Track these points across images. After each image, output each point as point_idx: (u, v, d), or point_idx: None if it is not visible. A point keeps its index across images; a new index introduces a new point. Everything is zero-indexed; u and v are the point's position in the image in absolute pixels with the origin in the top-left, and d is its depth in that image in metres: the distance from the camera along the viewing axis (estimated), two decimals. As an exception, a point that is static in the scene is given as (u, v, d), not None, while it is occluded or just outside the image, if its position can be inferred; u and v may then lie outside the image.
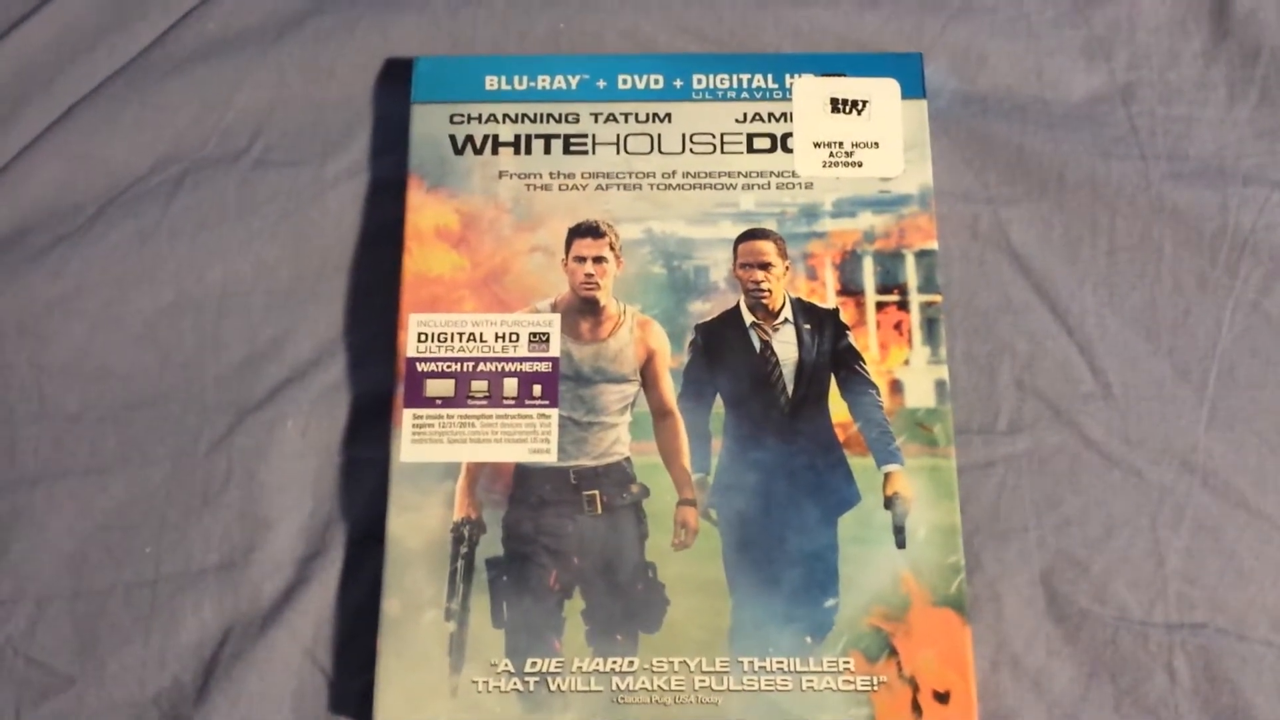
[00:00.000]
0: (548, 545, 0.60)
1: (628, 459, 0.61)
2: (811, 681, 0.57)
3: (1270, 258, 0.66)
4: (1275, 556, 0.61)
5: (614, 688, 0.57)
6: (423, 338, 0.63)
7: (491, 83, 0.68)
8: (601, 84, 0.68)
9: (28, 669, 0.60)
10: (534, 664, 0.58)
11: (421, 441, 0.61)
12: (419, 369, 0.62)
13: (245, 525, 0.63)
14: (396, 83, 0.70)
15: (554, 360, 0.62)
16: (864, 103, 0.67)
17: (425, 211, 0.65)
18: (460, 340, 0.63)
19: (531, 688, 0.57)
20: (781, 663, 0.58)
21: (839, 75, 0.68)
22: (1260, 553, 0.61)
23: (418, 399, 0.62)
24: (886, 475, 0.60)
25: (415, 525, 0.60)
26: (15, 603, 0.61)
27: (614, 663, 0.58)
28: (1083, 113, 0.69)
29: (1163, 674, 0.60)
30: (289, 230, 0.68)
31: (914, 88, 0.67)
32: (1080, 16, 0.71)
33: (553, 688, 0.57)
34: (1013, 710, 0.59)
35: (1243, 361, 0.64)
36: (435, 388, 0.62)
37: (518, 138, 0.67)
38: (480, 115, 0.67)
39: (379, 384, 0.64)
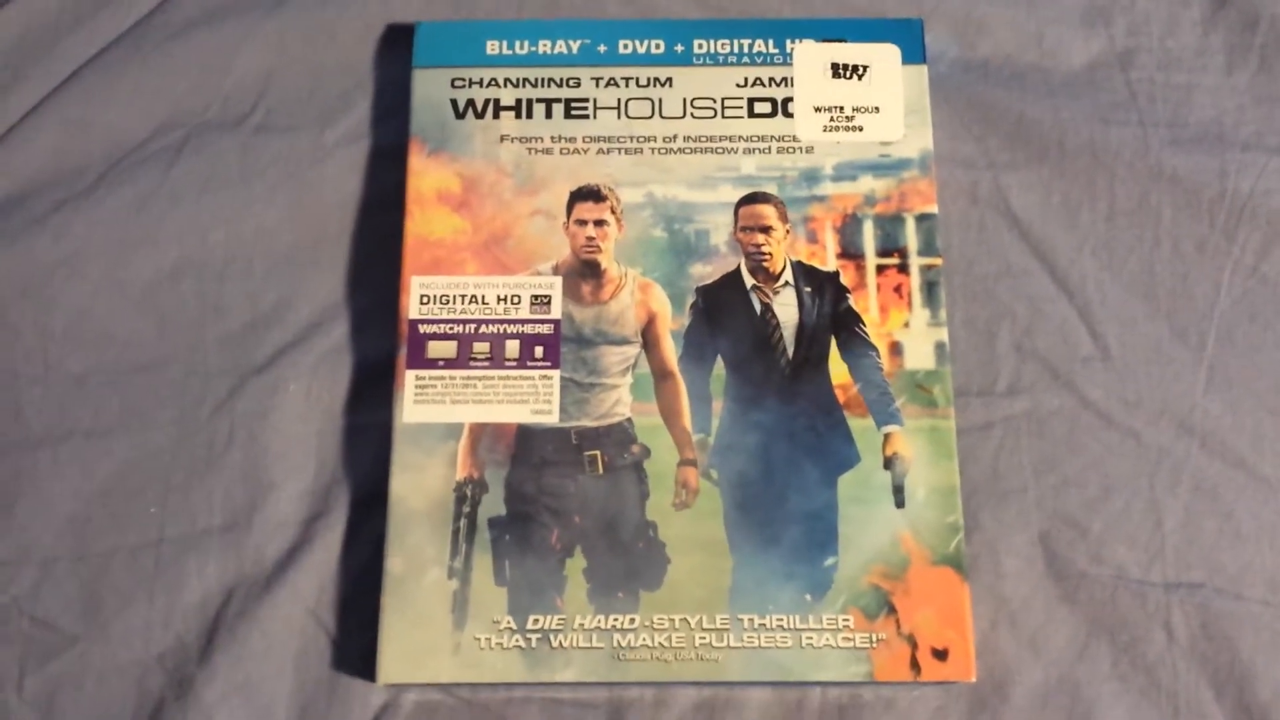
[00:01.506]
0: (550, 505, 0.60)
1: (629, 420, 0.62)
2: (811, 639, 0.58)
3: (1268, 222, 0.66)
4: (1272, 517, 0.62)
5: (615, 645, 0.58)
6: (425, 300, 0.63)
7: (493, 47, 0.68)
8: (603, 49, 0.68)
9: (32, 629, 0.61)
10: (536, 621, 0.58)
11: (424, 402, 0.61)
12: (421, 330, 0.62)
13: (248, 487, 0.63)
14: (397, 48, 0.70)
15: (555, 322, 0.63)
16: (864, 68, 0.67)
17: (427, 175, 0.65)
18: (462, 302, 0.63)
19: (533, 644, 0.58)
20: (781, 620, 0.58)
21: (840, 41, 0.68)
22: (1257, 513, 0.62)
23: (420, 360, 0.62)
24: (886, 436, 0.61)
25: (418, 485, 0.60)
26: (20, 563, 0.62)
27: (615, 620, 0.58)
28: (1082, 79, 0.70)
29: (1160, 632, 0.60)
30: (290, 195, 0.68)
31: (914, 53, 0.68)
32: (1080, -16, 0.72)
33: (554, 644, 0.58)
34: (1011, 668, 0.60)
35: (1240, 324, 0.65)
36: (437, 349, 0.62)
37: (519, 102, 0.67)
38: (481, 80, 0.67)
39: (379, 348, 0.65)
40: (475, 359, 0.62)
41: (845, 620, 0.58)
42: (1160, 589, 0.61)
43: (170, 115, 0.69)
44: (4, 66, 0.70)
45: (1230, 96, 0.69)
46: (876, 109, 0.67)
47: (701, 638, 0.58)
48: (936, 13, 0.71)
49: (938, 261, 0.64)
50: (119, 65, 0.70)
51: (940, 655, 0.57)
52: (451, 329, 0.62)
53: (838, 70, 0.67)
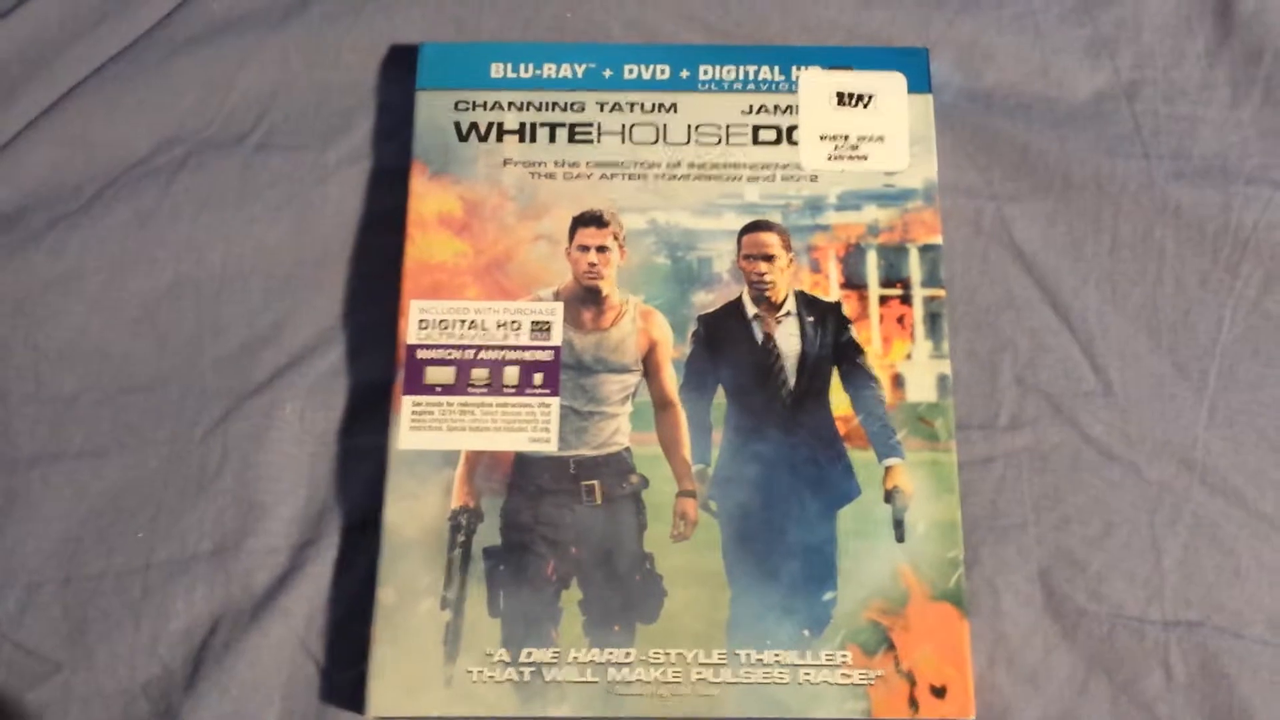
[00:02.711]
0: (546, 535, 0.59)
1: (628, 449, 0.61)
2: (809, 675, 0.57)
3: (1271, 257, 0.66)
4: (1272, 555, 0.61)
5: (610, 679, 0.57)
6: (424, 324, 0.62)
7: (497, 70, 0.68)
8: (607, 73, 0.68)
9: (15, 654, 0.60)
10: (530, 654, 0.57)
11: (420, 429, 0.61)
12: (419, 356, 0.62)
13: (240, 511, 0.62)
14: (400, 68, 0.70)
15: (555, 349, 0.62)
16: (870, 96, 0.67)
17: (429, 198, 0.65)
18: (462, 327, 0.62)
19: (527, 678, 0.57)
20: (779, 656, 0.57)
21: (845, 68, 0.68)
22: (1257, 551, 0.61)
23: (417, 386, 0.61)
24: (887, 469, 0.60)
25: (412, 513, 0.59)
26: (5, 587, 0.61)
27: (610, 654, 0.57)
28: (1087, 111, 0.69)
29: (1159, 671, 0.60)
30: (290, 215, 0.68)
31: (920, 82, 0.67)
32: (1086, 15, 0.71)
33: (549, 678, 0.57)
34: (1010, 706, 0.59)
35: (1243, 360, 0.65)
36: (435, 375, 0.62)
37: (522, 125, 0.66)
38: (485, 103, 0.67)
39: (377, 372, 0.64)
40: (474, 385, 0.61)
41: (844, 656, 0.57)
42: (1159, 627, 0.60)
43: (171, 132, 0.69)
44: (2, 80, 0.70)
45: (1234, 130, 0.69)
46: (881, 138, 0.66)
47: (698, 673, 0.57)
48: (941, 43, 0.71)
49: (941, 293, 0.63)
50: (119, 81, 0.70)
51: (939, 693, 0.57)
52: (450, 354, 0.62)
53: (843, 98, 0.67)
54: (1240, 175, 0.67)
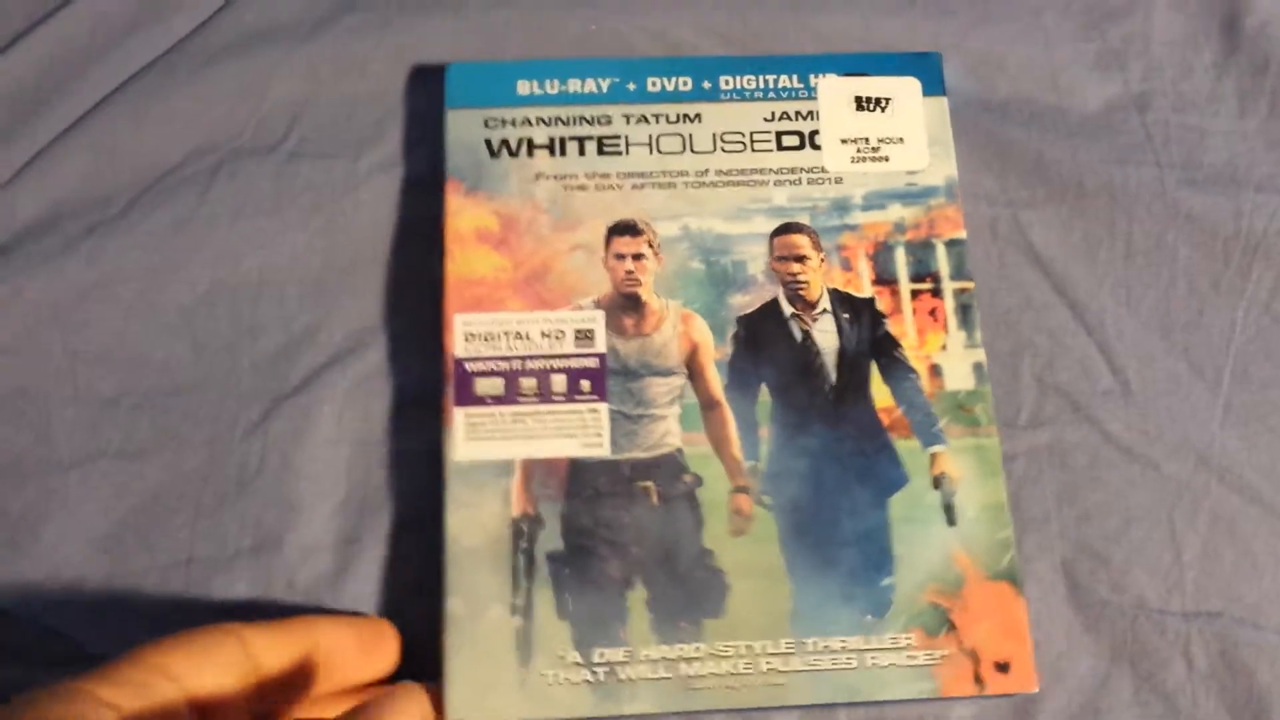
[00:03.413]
0: (606, 537, 0.60)
1: (679, 450, 0.62)
2: (875, 659, 0.58)
3: (1282, 261, 0.69)
4: (1287, 548, 0.64)
5: (682, 674, 0.57)
6: (469, 338, 0.62)
7: (524, 87, 0.68)
8: (632, 86, 0.69)
9: (57, 646, 0.59)
10: (601, 654, 0.58)
11: (475, 440, 0.61)
12: (467, 368, 0.62)
13: (281, 510, 0.62)
14: (428, 81, 0.70)
15: (600, 356, 0.63)
16: (887, 100, 0.69)
17: (465, 214, 0.65)
18: (507, 339, 0.63)
19: (602, 678, 0.57)
20: (844, 642, 0.58)
21: (862, 75, 0.69)
22: (1273, 545, 0.63)
23: (468, 398, 0.61)
24: (932, 456, 0.62)
25: (473, 522, 0.59)
26: (48, 583, 0.60)
27: (680, 649, 0.58)
28: (1099, 121, 0.72)
29: (1180, 661, 0.61)
30: (323, 221, 0.67)
31: (934, 85, 0.69)
32: (1095, 30, 0.74)
33: (622, 677, 0.57)
34: (1034, 695, 0.60)
35: (1255, 360, 0.67)
36: (485, 386, 0.62)
37: (552, 140, 0.67)
38: (514, 119, 0.67)
39: (413, 375, 0.64)
40: (523, 395, 0.62)
41: (908, 639, 0.59)
42: (1179, 618, 0.62)
43: (204, 141, 0.68)
44: (35, 89, 0.69)
45: (1242, 140, 0.71)
46: (901, 139, 0.68)
47: (767, 663, 0.58)
48: (955, 53, 0.73)
49: (970, 285, 0.65)
50: (152, 90, 0.69)
51: (1003, 668, 0.58)
52: (498, 366, 0.62)
53: (861, 103, 0.69)
54: (1250, 184, 0.70)
